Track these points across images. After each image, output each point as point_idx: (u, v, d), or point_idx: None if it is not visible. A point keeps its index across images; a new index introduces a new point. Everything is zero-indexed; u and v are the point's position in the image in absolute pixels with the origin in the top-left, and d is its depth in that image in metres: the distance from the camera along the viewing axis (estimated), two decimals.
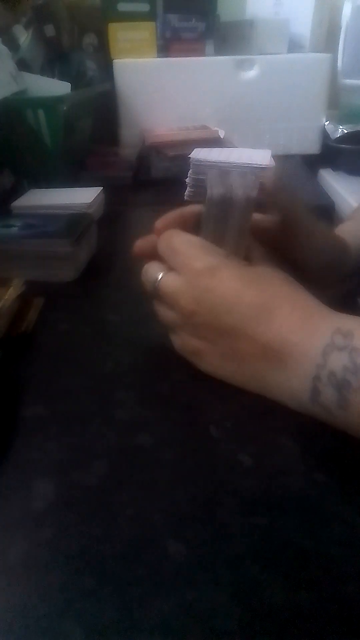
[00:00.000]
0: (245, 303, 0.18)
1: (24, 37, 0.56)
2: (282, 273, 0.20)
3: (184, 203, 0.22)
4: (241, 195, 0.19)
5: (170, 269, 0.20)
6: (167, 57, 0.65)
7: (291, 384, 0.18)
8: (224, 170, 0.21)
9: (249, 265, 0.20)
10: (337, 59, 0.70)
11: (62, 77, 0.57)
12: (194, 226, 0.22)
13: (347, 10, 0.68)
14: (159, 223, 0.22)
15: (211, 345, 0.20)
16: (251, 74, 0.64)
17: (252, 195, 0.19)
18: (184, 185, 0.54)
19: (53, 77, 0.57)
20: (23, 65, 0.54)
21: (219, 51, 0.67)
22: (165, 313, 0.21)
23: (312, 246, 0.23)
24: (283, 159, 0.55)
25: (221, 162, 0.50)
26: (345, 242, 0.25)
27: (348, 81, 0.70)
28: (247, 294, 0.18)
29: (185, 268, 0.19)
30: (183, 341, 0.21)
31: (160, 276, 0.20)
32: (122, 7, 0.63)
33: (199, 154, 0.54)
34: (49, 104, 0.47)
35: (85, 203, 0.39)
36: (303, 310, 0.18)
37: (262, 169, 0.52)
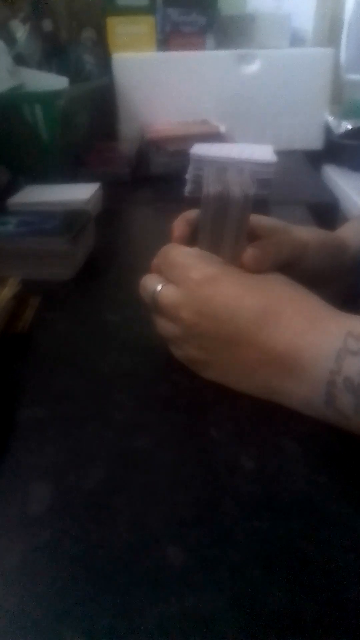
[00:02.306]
0: (247, 308, 0.18)
1: (21, 31, 0.56)
2: (283, 276, 0.19)
3: (184, 199, 0.22)
4: (238, 192, 0.19)
5: (168, 281, 0.20)
6: (167, 51, 0.64)
7: (303, 390, 0.17)
8: (220, 167, 0.21)
9: (247, 272, 0.20)
10: (339, 53, 0.69)
11: (60, 71, 0.56)
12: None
13: (350, 4, 0.67)
14: (177, 224, 0.21)
15: (215, 355, 0.19)
16: (252, 68, 0.63)
17: (249, 193, 0.19)
18: (183, 181, 0.53)
19: (50, 71, 0.56)
20: (20, 60, 0.54)
21: (219, 45, 0.66)
22: (165, 325, 0.20)
23: (309, 254, 0.22)
24: (285, 155, 0.54)
25: (221, 158, 0.49)
26: (343, 241, 0.25)
27: (351, 76, 0.70)
28: (248, 299, 0.18)
29: (183, 280, 0.19)
30: (186, 353, 0.20)
31: (158, 288, 0.20)
32: (121, 1, 0.63)
33: (199, 149, 0.53)
34: (46, 98, 0.46)
35: (83, 200, 0.39)
36: (308, 313, 0.18)
37: (264, 164, 0.51)
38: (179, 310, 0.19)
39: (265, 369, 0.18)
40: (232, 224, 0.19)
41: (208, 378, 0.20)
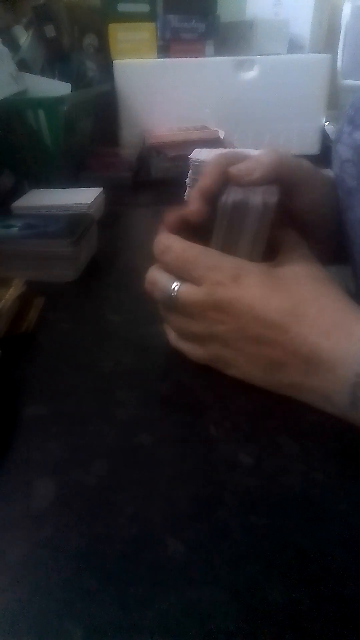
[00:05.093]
0: (272, 309, 0.18)
1: (24, 37, 0.56)
2: (310, 270, 0.19)
3: (184, 203, 0.22)
4: (258, 201, 0.18)
5: (182, 278, 0.20)
6: (167, 57, 0.65)
7: (326, 389, 0.17)
8: None
9: (274, 268, 0.19)
10: (336, 59, 0.70)
11: (63, 77, 0.57)
12: (199, 229, 0.21)
13: (346, 11, 0.68)
14: (169, 219, 0.21)
15: (239, 354, 0.19)
16: (251, 74, 0.64)
17: (270, 202, 0.18)
18: (184, 186, 0.54)
19: (53, 77, 0.57)
20: (23, 65, 0.54)
21: (219, 52, 0.67)
22: (185, 324, 0.20)
23: (317, 197, 0.21)
24: None
25: None
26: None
27: (348, 82, 0.70)
28: (273, 300, 0.18)
29: (205, 279, 0.19)
30: (208, 351, 0.20)
31: (175, 287, 0.20)
32: (122, 7, 0.64)
33: (199, 154, 0.54)
34: (50, 104, 0.47)
35: (86, 203, 0.39)
36: (333, 313, 0.18)
37: None
38: (203, 309, 0.19)
39: (288, 368, 0.18)
40: (250, 232, 0.19)
41: (231, 375, 0.20)
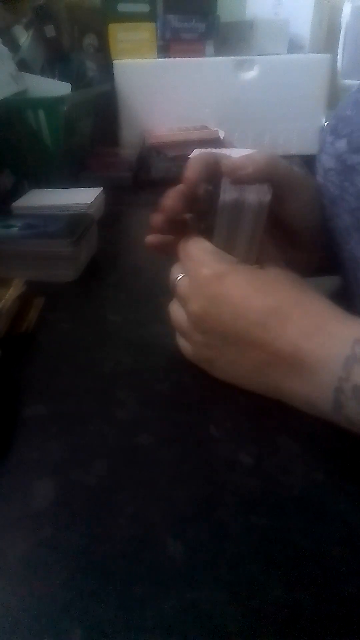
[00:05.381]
0: (254, 309, 0.18)
1: (24, 37, 0.56)
2: (295, 275, 0.19)
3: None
4: (254, 200, 0.19)
5: (185, 272, 0.20)
6: (167, 57, 0.65)
7: (308, 393, 0.17)
8: None
9: (260, 270, 0.20)
10: (336, 59, 0.70)
11: (63, 77, 0.57)
12: (199, 203, 0.21)
13: (347, 11, 0.68)
14: (167, 200, 0.21)
15: (221, 353, 0.19)
16: (251, 74, 0.64)
17: (265, 200, 0.19)
18: None
19: (53, 77, 0.57)
20: (23, 65, 0.55)
21: (219, 52, 0.67)
22: (177, 314, 0.21)
23: (305, 201, 0.22)
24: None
25: None
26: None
27: (348, 82, 0.71)
28: (256, 300, 0.18)
29: (194, 274, 0.19)
30: (195, 350, 0.20)
31: (178, 277, 0.20)
32: (123, 7, 0.64)
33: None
34: (50, 104, 0.47)
35: (86, 203, 0.39)
36: (316, 316, 0.17)
37: None
38: (188, 302, 0.19)
39: (271, 370, 0.18)
40: (247, 229, 0.20)
41: (217, 377, 0.20)
